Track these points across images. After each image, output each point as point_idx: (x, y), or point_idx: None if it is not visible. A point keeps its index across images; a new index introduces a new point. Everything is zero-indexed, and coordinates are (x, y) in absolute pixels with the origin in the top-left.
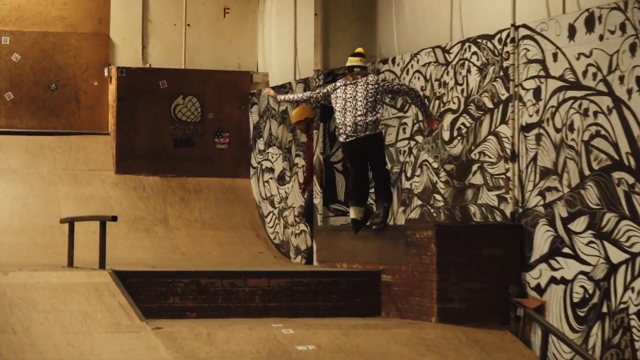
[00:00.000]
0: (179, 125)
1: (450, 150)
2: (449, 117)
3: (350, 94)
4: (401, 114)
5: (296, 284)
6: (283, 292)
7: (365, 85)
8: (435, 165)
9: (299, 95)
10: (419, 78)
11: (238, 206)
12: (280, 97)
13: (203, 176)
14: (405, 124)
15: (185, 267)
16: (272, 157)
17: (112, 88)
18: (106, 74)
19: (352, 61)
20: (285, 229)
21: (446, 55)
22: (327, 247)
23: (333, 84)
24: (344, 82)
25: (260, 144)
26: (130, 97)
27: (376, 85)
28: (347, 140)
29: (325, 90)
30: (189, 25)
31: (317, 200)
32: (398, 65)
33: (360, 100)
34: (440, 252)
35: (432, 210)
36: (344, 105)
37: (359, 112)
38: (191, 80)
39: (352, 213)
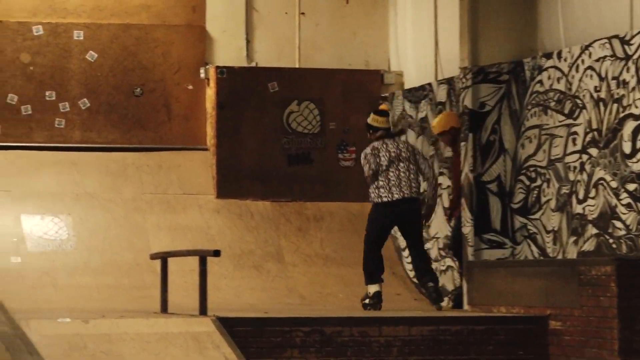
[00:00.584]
0: (294, 137)
1: (633, 166)
2: (630, 125)
3: (394, 150)
4: (570, 120)
5: (443, 332)
6: (427, 342)
7: (405, 144)
8: (614, 184)
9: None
10: (591, 76)
11: None
12: None
13: (324, 200)
14: (576, 133)
15: (304, 312)
16: None
17: (210, 93)
18: (203, 75)
19: (378, 122)
20: None
21: (626, 47)
22: (481, 287)
23: (371, 150)
24: (380, 141)
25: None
26: (233, 103)
27: (413, 151)
28: (393, 198)
29: (374, 166)
30: (303, 13)
31: (467, 229)
32: (565, 60)
33: (405, 157)
34: (623, 292)
35: (611, 241)
36: (388, 164)
37: (404, 167)
38: (308, 82)
39: (373, 289)
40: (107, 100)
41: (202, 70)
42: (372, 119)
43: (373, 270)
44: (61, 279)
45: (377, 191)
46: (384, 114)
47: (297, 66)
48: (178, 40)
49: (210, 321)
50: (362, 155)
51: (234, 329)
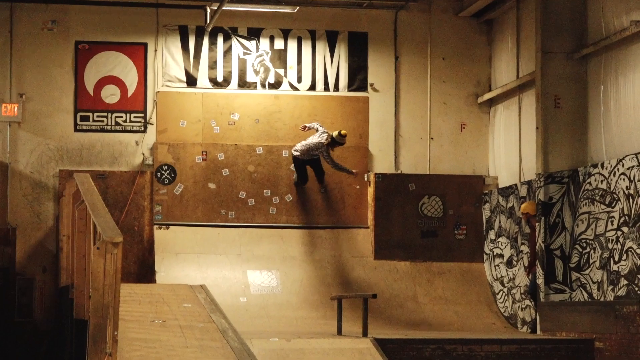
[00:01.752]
0: (425, 220)
1: None
2: None
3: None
4: (609, 208)
5: (523, 349)
6: (513, 356)
7: (326, 153)
8: (639, 251)
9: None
10: (624, 179)
11: (474, 286)
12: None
13: (445, 261)
14: (613, 217)
15: (432, 335)
16: (502, 245)
17: (370, 190)
18: (366, 179)
19: (337, 138)
20: (513, 304)
21: None
22: (549, 318)
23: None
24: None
25: (492, 235)
26: (385, 197)
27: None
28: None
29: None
30: (432, 138)
31: (540, 280)
32: (606, 168)
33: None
34: None
35: (636, 289)
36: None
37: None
38: (435, 184)
39: (297, 177)
40: (303, 196)
41: (365, 176)
42: (336, 135)
43: (304, 176)
44: (272, 312)
45: (297, 154)
46: (343, 138)
47: (427, 173)
48: (350, 156)
49: (370, 341)
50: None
51: (386, 346)
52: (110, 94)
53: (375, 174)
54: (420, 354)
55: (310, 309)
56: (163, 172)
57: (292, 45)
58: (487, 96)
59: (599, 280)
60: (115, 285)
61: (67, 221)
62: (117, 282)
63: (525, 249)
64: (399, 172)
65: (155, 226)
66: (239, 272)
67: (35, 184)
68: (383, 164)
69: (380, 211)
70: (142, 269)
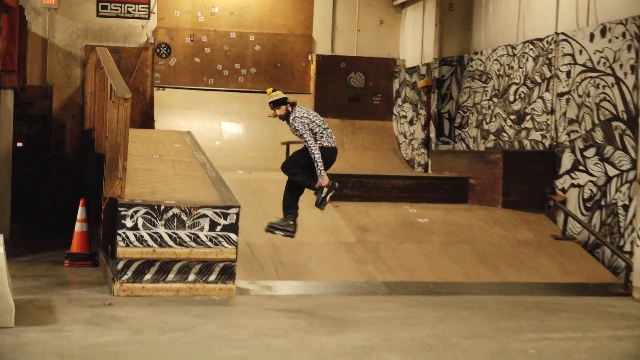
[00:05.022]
0: (351, 89)
1: (513, 107)
2: (513, 87)
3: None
4: (484, 85)
5: (418, 184)
6: (410, 188)
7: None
8: (503, 115)
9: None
10: (496, 63)
11: (385, 137)
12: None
13: (364, 119)
14: (487, 90)
15: (353, 172)
16: (406, 109)
17: (313, 67)
18: (309, 58)
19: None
20: (412, 151)
21: (513, 49)
22: (437, 162)
23: (306, 120)
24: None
25: (399, 101)
26: (323, 72)
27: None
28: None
29: (309, 132)
30: (359, 30)
31: (432, 135)
32: (484, 55)
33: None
34: (505, 167)
35: (501, 142)
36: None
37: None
38: (360, 63)
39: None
40: (264, 69)
41: (309, 56)
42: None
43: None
44: (239, 153)
45: (327, 139)
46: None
47: (355, 55)
48: (298, 41)
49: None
50: (304, 122)
51: None
52: None
53: (317, 55)
54: (345, 184)
55: (267, 151)
56: (161, 49)
57: None
58: (400, 0)
59: (475, 136)
60: (125, 129)
61: (90, 82)
62: (127, 127)
63: (422, 112)
64: (334, 54)
65: (155, 88)
66: (215, 123)
67: (67, 55)
68: (323, 47)
69: (319, 82)
70: (145, 119)
